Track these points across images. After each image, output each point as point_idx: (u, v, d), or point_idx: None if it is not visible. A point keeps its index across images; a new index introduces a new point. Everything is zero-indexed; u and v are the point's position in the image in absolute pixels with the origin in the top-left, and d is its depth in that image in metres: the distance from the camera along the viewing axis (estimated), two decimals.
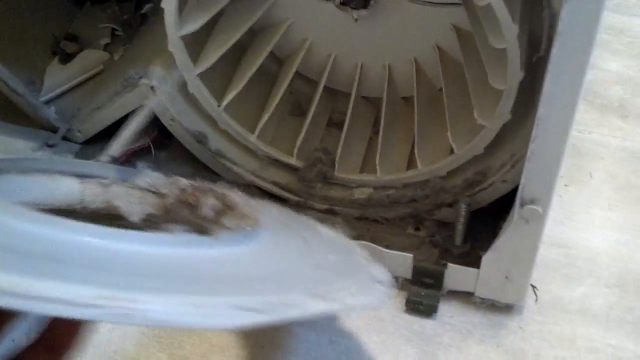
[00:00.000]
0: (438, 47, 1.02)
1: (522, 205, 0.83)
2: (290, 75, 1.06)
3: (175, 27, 0.94)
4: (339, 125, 1.12)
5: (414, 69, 1.04)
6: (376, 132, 1.11)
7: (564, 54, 0.69)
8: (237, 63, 1.07)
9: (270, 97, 1.08)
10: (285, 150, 1.08)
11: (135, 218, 0.83)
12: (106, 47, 1.27)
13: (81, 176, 0.84)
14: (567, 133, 0.75)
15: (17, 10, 1.18)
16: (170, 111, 1.04)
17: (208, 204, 0.83)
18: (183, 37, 0.95)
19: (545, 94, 0.73)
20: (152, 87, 1.02)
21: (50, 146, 1.13)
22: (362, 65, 1.08)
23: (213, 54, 1.00)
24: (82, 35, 1.27)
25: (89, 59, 1.22)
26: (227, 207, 0.83)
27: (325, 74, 1.09)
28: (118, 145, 1.01)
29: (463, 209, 0.94)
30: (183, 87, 1.05)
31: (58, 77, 1.19)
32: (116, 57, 1.20)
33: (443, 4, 0.97)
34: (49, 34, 1.25)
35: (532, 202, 0.82)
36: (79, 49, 1.24)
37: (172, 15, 0.92)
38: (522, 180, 0.82)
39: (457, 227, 0.96)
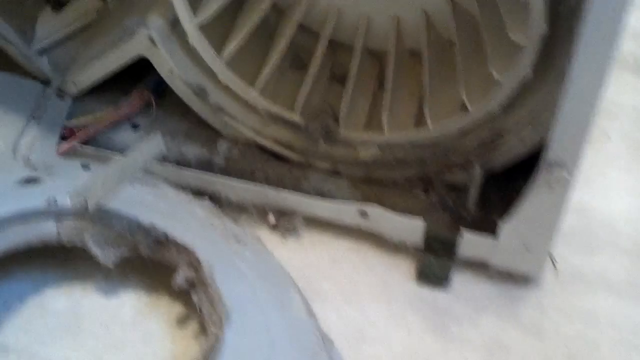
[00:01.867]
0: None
1: (547, 168, 0.78)
2: (292, 27, 1.01)
3: None
4: (341, 79, 1.07)
5: (424, 20, 0.98)
6: (381, 87, 1.06)
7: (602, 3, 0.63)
8: (237, 13, 1.01)
9: (271, 50, 1.03)
10: (287, 105, 1.03)
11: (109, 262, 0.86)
12: None
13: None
14: (601, 91, 0.70)
15: None
16: (169, 63, 1.00)
17: (182, 274, 0.84)
18: None
19: (580, 47, 0.67)
20: (150, 38, 0.95)
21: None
22: (366, 15, 1.02)
23: (213, 3, 0.94)
24: None
25: (82, 7, 1.17)
26: (200, 283, 0.83)
27: (329, 26, 1.03)
28: None
29: (477, 171, 0.89)
30: (182, 38, 0.98)
31: (50, 25, 1.14)
32: (110, 5, 1.13)
33: None
34: None
35: (558, 164, 0.77)
36: None
37: None
38: (550, 141, 0.76)
39: (471, 191, 0.92)
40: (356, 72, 1.02)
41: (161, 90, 1.09)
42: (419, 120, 0.98)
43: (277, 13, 1.05)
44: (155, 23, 0.97)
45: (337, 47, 1.07)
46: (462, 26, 0.94)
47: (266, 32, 1.05)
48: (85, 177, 0.91)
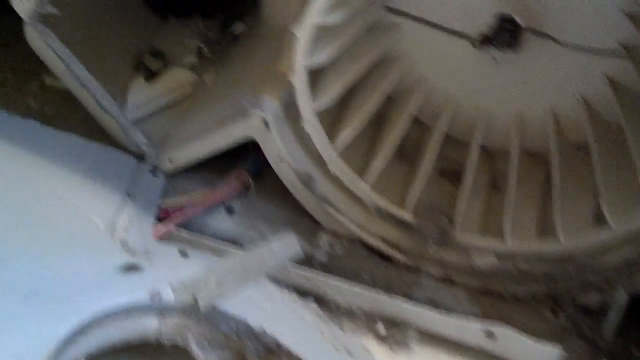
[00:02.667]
0: (584, 100, 0.90)
1: None
2: (406, 119, 0.96)
3: (305, 56, 0.81)
4: (450, 174, 1.02)
5: (552, 121, 0.93)
6: (495, 187, 0.99)
7: None
8: (350, 100, 0.94)
9: (381, 141, 0.98)
10: (396, 201, 0.97)
11: None
12: (192, 67, 1.13)
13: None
14: None
15: (99, 19, 1.05)
16: (279, 148, 0.94)
17: None
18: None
19: None
20: (265, 120, 0.88)
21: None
22: (486, 111, 0.97)
23: (334, 88, 0.90)
24: (167, 51, 1.14)
25: (177, 79, 1.12)
26: None
27: (444, 120, 0.99)
28: None
29: (621, 295, 0.80)
30: (295, 122, 0.92)
31: (143, 96, 1.08)
32: (208, 81, 1.07)
33: (599, 50, 0.85)
34: (132, 47, 1.12)
35: None
36: (163, 66, 1.11)
37: (305, 43, 0.81)
38: None
39: (610, 317, 0.83)
40: (473, 170, 0.95)
41: (259, 173, 1.01)
42: (547, 230, 0.91)
43: (389, 101, 0.99)
44: (272, 105, 0.91)
45: (449, 141, 1.01)
46: (598, 130, 0.88)
47: (376, 121, 0.99)
48: (185, 266, 0.82)
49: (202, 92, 1.09)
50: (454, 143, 1.01)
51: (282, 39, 0.91)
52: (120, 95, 1.08)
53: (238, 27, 1.16)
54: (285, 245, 0.85)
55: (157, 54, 1.15)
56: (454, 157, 1.02)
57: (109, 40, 1.08)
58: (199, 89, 1.10)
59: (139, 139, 1.01)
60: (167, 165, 1.02)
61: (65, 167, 0.94)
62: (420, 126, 1.01)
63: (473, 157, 0.96)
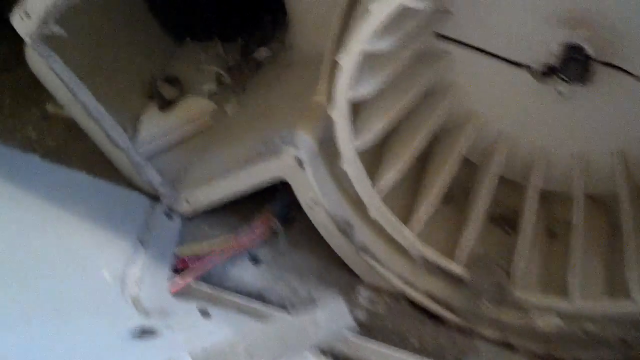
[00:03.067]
0: None
1: None
2: (455, 161, 0.86)
3: (348, 87, 0.70)
4: (503, 221, 0.92)
5: (620, 164, 0.83)
6: (553, 238, 0.89)
7: None
8: (394, 137, 0.82)
9: (429, 184, 0.87)
10: (445, 251, 0.86)
11: None
12: (210, 95, 1.02)
13: None
14: None
15: (108, 41, 0.94)
16: (314, 190, 0.83)
17: None
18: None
19: None
20: (298, 159, 0.77)
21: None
22: (546, 151, 0.86)
23: (378, 123, 0.80)
24: (183, 77, 1.03)
25: (194, 109, 1.01)
26: None
27: (497, 161, 0.87)
28: None
29: None
30: (331, 161, 0.81)
31: (157, 127, 0.98)
32: (229, 111, 0.96)
33: None
34: (145, 73, 1.01)
35: None
36: (178, 94, 0.99)
37: (349, 73, 0.70)
38: None
39: None
40: (531, 218, 0.85)
41: (288, 216, 0.90)
42: (618, 288, 0.81)
43: (435, 138, 0.89)
44: (307, 142, 0.79)
45: (501, 183, 0.90)
46: None
47: (420, 160, 0.89)
48: (207, 329, 0.70)
49: (223, 124, 0.98)
50: (507, 185, 0.90)
51: (318, 67, 0.83)
52: (131, 126, 0.97)
53: (261, 52, 1.04)
54: (333, 316, 0.73)
55: (173, 81, 1.04)
56: (506, 201, 0.92)
57: (119, 64, 0.97)
58: (220, 120, 1.00)
59: (153, 177, 0.89)
60: (185, 207, 0.90)
61: (68, 210, 0.83)
62: (469, 165, 0.91)
63: (531, 202, 0.85)
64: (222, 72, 1.08)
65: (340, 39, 0.79)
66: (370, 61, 0.73)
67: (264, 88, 0.99)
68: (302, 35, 0.95)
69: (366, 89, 0.75)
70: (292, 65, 0.96)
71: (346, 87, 0.73)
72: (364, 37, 0.68)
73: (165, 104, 1.01)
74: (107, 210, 0.85)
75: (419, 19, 0.73)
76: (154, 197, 0.91)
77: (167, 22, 1.08)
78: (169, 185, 0.91)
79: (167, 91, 1.03)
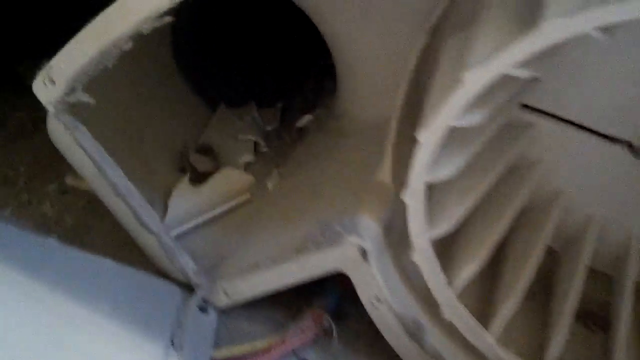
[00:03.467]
0: None
1: None
2: (541, 246, 0.74)
3: (428, 168, 0.60)
4: (588, 317, 0.80)
5: None
6: None
7: None
8: (471, 223, 0.71)
9: (510, 278, 0.75)
10: (528, 356, 0.74)
11: None
12: (247, 167, 0.91)
13: None
14: None
15: (139, 109, 0.83)
16: (379, 285, 0.72)
17: None
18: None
19: None
20: (362, 249, 0.65)
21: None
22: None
23: (458, 208, 0.68)
24: (217, 147, 0.92)
25: (230, 183, 0.91)
26: None
27: (588, 248, 0.76)
28: None
29: None
30: (397, 252, 0.70)
31: (190, 204, 0.88)
32: (270, 186, 0.84)
33: None
34: (176, 143, 0.90)
35: None
36: (213, 166, 0.89)
37: (430, 152, 0.59)
38: None
39: None
40: (628, 317, 0.74)
41: (341, 311, 0.78)
42: None
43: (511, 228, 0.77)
44: (372, 230, 0.68)
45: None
46: None
47: (495, 253, 0.76)
48: None
49: (263, 200, 0.87)
50: (593, 276, 0.78)
51: (376, 139, 0.75)
52: (160, 203, 0.85)
53: (304, 119, 0.93)
54: None
55: (206, 151, 0.93)
56: (593, 295, 0.79)
57: (149, 135, 0.87)
58: (259, 196, 0.88)
59: (186, 264, 0.77)
60: (223, 300, 0.79)
61: (87, 305, 0.70)
62: (549, 253, 0.79)
63: (627, 298, 0.74)
64: (260, 140, 0.96)
65: (409, 109, 0.68)
66: (453, 137, 0.61)
67: (310, 160, 0.88)
68: (355, 102, 0.84)
69: (448, 170, 0.63)
70: (344, 136, 0.85)
71: (425, 168, 0.61)
72: (452, 112, 0.56)
73: (199, 178, 0.91)
74: (135, 305, 0.73)
75: (513, 89, 0.62)
76: (187, 287, 0.79)
77: (200, 88, 0.98)
78: (205, 274, 0.78)
79: (201, 163, 0.92)
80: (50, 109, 0.69)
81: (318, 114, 0.94)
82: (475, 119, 0.60)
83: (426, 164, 0.62)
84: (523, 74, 0.55)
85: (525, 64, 0.53)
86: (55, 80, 0.67)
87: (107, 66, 0.65)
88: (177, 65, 0.94)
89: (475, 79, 0.55)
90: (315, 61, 0.95)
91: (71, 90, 0.67)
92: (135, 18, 0.62)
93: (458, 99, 0.56)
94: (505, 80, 0.57)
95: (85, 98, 0.68)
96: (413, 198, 0.65)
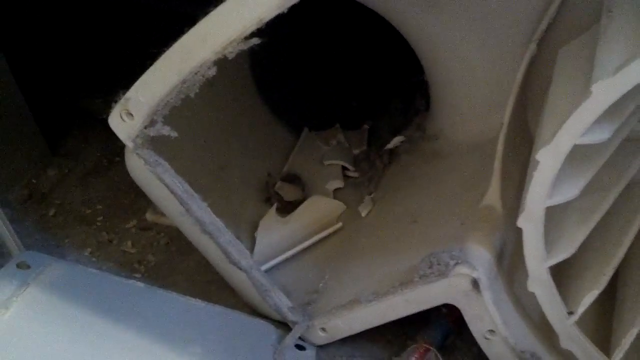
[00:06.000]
0: None
1: None
2: None
3: (549, 192, 0.54)
4: None
5: None
6: None
7: None
8: (587, 244, 0.65)
9: (629, 302, 0.70)
10: None
11: None
12: (337, 193, 0.88)
13: None
14: None
15: (222, 140, 0.80)
16: (494, 319, 0.67)
17: None
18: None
19: None
20: (474, 280, 0.60)
21: None
22: None
23: (578, 232, 0.63)
24: (303, 174, 0.88)
25: (320, 211, 0.88)
26: None
27: None
28: None
29: None
30: (508, 281, 0.65)
31: (278, 235, 0.85)
32: (363, 212, 0.82)
33: None
34: (261, 173, 0.85)
35: None
36: (301, 194, 0.85)
37: (549, 179, 0.56)
38: None
39: None
40: None
41: (447, 345, 0.73)
42: None
43: None
44: (484, 259, 0.63)
45: None
46: None
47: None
48: None
49: (357, 229, 0.82)
50: None
51: (477, 160, 0.73)
52: (247, 236, 0.82)
53: (394, 140, 0.89)
54: None
55: (292, 179, 0.89)
56: None
57: (232, 165, 0.84)
58: (352, 224, 0.83)
59: (280, 300, 0.73)
60: (320, 337, 0.75)
61: (177, 348, 0.69)
62: None
63: None
64: (348, 165, 0.92)
65: (516, 127, 0.63)
66: (575, 155, 0.56)
67: (405, 184, 0.84)
68: (453, 121, 0.80)
69: (570, 193, 0.58)
70: (441, 158, 0.80)
71: (545, 190, 0.56)
72: (579, 127, 0.51)
73: (286, 207, 0.87)
74: (228, 346, 0.71)
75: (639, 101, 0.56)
76: (282, 324, 0.76)
77: (282, 113, 0.94)
78: (300, 310, 0.74)
79: (287, 192, 0.88)
80: (129, 144, 0.66)
81: (409, 134, 0.90)
82: (603, 135, 0.54)
83: (546, 186, 0.56)
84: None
85: None
86: (133, 113, 0.63)
87: (189, 95, 0.61)
88: (257, 90, 0.91)
89: (609, 89, 0.49)
90: (403, 78, 0.90)
91: (151, 123, 0.64)
92: (220, 41, 0.58)
93: (587, 112, 0.51)
94: (636, 91, 0.52)
95: (166, 131, 0.65)
96: (530, 223, 0.60)
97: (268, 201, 0.89)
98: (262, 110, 0.95)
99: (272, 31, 0.84)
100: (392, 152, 0.93)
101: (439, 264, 0.67)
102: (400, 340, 0.78)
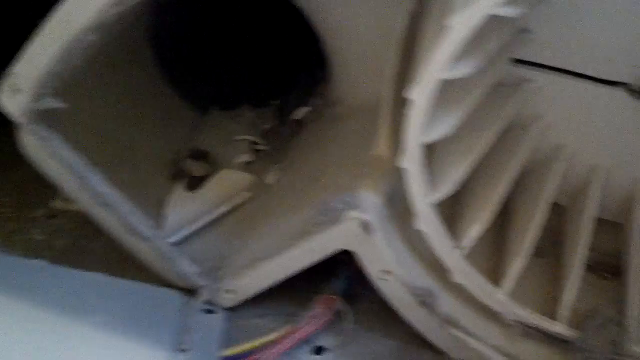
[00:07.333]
0: None
1: None
2: (545, 201, 0.75)
3: (422, 128, 0.61)
4: (602, 267, 0.81)
5: None
6: None
7: None
8: (473, 184, 0.71)
9: (517, 235, 0.76)
10: (544, 310, 0.74)
11: None
12: (247, 167, 0.93)
13: None
14: None
15: (121, 115, 0.84)
16: (387, 258, 0.72)
17: None
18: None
19: None
20: (364, 223, 0.65)
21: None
22: None
23: (458, 169, 0.69)
24: (212, 150, 0.93)
25: (228, 184, 0.91)
26: None
27: (593, 199, 0.77)
28: None
29: None
30: (401, 222, 0.71)
31: (187, 210, 0.88)
32: (269, 180, 0.84)
33: None
34: (167, 151, 0.91)
35: None
36: (209, 170, 0.90)
37: (421, 114, 0.61)
38: None
39: None
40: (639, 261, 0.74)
41: (353, 293, 0.80)
42: None
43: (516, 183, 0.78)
44: (373, 202, 0.68)
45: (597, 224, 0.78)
46: None
47: (500, 212, 0.77)
48: None
49: (264, 196, 0.87)
50: (602, 226, 0.79)
51: (371, 119, 0.75)
52: (156, 213, 0.85)
53: (300, 111, 0.93)
54: None
55: (200, 155, 0.94)
56: (603, 245, 0.80)
57: (136, 142, 0.88)
58: (260, 193, 0.87)
59: (187, 268, 0.78)
60: (229, 299, 0.79)
61: (79, 320, 0.71)
62: (556, 208, 0.81)
63: (636, 242, 0.75)
64: (256, 139, 0.96)
65: (401, 80, 0.68)
66: (445, 93, 0.61)
67: (309, 150, 0.88)
68: (349, 87, 0.85)
69: (443, 129, 0.64)
70: (340, 121, 0.85)
71: (420, 127, 0.61)
72: (441, 62, 0.56)
73: (194, 183, 0.91)
74: (135, 317, 0.73)
75: (503, 37, 0.61)
76: (190, 292, 0.79)
77: (189, 93, 0.97)
78: (207, 275, 0.78)
79: (195, 168, 0.92)
80: (21, 120, 0.67)
81: (314, 104, 0.94)
82: (466, 69, 0.60)
83: (420, 123, 0.62)
84: (510, 12, 0.55)
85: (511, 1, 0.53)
86: (21, 88, 0.65)
87: (75, 64, 0.63)
88: (163, 71, 0.94)
89: (464, 22, 0.54)
90: (307, 51, 0.94)
91: (39, 96, 0.65)
92: (94, 5, 0.60)
93: (447, 46, 0.56)
94: (493, 24, 0.57)
95: (56, 104, 0.66)
96: (411, 162, 0.65)
97: (176, 178, 0.91)
98: (168, 90, 0.98)
99: (174, 12, 0.87)
100: (300, 123, 0.97)
101: (331, 212, 0.71)
102: (309, 295, 0.81)
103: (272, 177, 0.90)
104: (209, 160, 0.94)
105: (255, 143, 0.97)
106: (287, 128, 0.97)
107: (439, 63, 0.58)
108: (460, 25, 0.56)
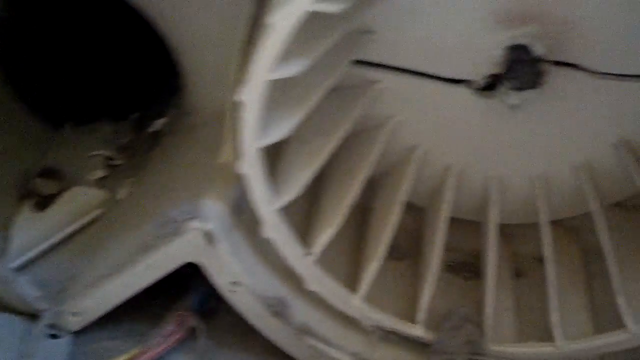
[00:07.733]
0: (626, 143, 0.71)
1: None
2: (398, 203, 0.74)
3: (257, 131, 0.58)
4: (462, 268, 0.82)
5: (588, 178, 0.74)
6: (519, 275, 0.81)
7: None
8: (323, 188, 0.69)
9: (371, 238, 0.76)
10: (402, 313, 0.75)
11: None
12: (100, 182, 0.90)
13: None
14: None
15: None
16: (234, 269, 0.70)
17: None
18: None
19: None
20: (207, 233, 0.63)
21: None
22: (502, 180, 0.77)
23: (300, 174, 0.68)
24: (63, 168, 0.91)
25: (78, 202, 0.87)
26: None
27: (447, 200, 0.76)
28: None
29: None
30: (250, 231, 0.67)
31: (33, 230, 0.83)
32: (122, 195, 0.81)
33: None
34: (14, 170, 0.88)
35: None
36: (60, 187, 0.86)
37: (255, 112, 0.58)
38: None
39: None
40: (494, 259, 0.75)
41: (207, 310, 0.76)
42: (606, 320, 0.72)
43: (371, 184, 0.77)
44: (215, 211, 0.66)
45: (454, 225, 0.78)
46: None
47: (357, 213, 0.78)
48: None
49: (114, 212, 0.82)
50: (461, 226, 0.80)
51: (220, 126, 0.73)
52: (3, 237, 0.79)
53: (156, 123, 0.90)
54: None
55: (51, 174, 0.89)
56: (461, 244, 0.82)
57: None
58: (111, 209, 0.83)
59: (27, 292, 0.73)
60: (73, 322, 0.76)
61: None
62: (413, 210, 0.81)
63: (491, 241, 0.75)
64: (112, 154, 0.92)
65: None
66: (280, 95, 0.59)
67: (162, 161, 0.85)
68: (200, 95, 0.83)
69: (280, 132, 0.63)
70: (193, 131, 0.82)
71: (254, 130, 0.59)
72: (266, 62, 0.55)
73: (44, 202, 0.85)
74: None
75: (335, 36, 0.60)
76: (33, 316, 0.75)
77: (41, 109, 0.93)
78: (51, 298, 0.74)
79: (44, 187, 0.88)
80: None
81: (171, 115, 0.91)
82: (294, 68, 0.58)
83: (254, 126, 0.60)
84: (329, 8, 0.54)
85: None
86: None
87: None
88: (12, 88, 0.89)
89: (284, 20, 0.53)
90: (162, 61, 0.92)
91: None
92: None
93: (270, 45, 0.55)
94: (321, 23, 0.56)
95: None
96: (249, 167, 0.64)
97: (24, 198, 0.87)
98: (18, 107, 0.94)
99: (22, 27, 0.83)
100: (157, 135, 0.94)
101: (171, 223, 0.69)
102: (162, 312, 0.78)
103: (124, 192, 0.87)
104: (60, 178, 0.90)
105: (111, 158, 0.94)
106: (144, 141, 0.93)
107: (264, 63, 0.57)
108: (281, 23, 0.54)
